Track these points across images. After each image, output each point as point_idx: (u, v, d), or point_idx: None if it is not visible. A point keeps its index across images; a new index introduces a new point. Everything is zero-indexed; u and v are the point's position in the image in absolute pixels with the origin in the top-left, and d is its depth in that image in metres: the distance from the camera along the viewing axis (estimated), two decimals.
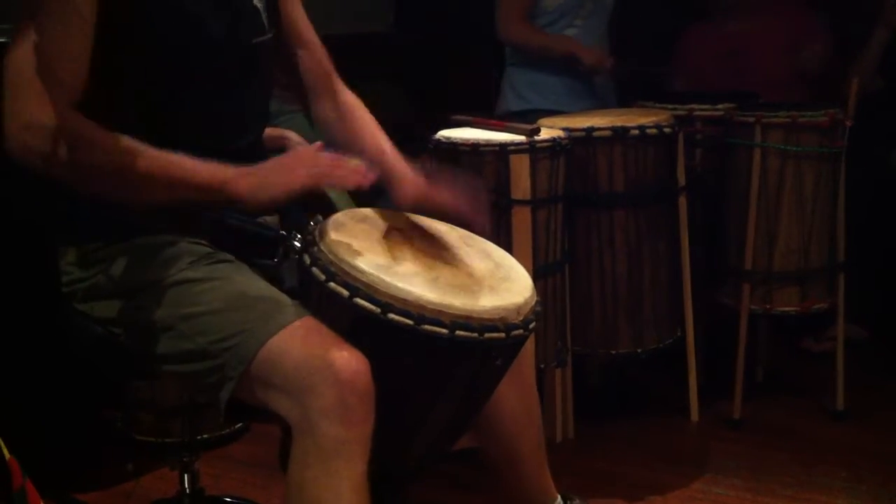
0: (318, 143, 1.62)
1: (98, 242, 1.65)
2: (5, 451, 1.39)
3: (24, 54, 1.53)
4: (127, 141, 1.52)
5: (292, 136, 2.67)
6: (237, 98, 1.72)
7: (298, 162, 1.56)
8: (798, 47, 3.34)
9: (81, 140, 1.51)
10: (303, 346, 1.44)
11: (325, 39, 1.93)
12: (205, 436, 2.57)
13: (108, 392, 2.72)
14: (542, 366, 2.60)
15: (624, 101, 3.27)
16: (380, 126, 1.88)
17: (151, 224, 1.63)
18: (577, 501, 1.95)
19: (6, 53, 1.61)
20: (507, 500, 1.88)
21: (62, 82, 1.51)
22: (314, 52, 1.89)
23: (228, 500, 2.38)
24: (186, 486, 2.02)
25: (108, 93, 1.57)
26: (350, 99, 1.90)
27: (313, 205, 1.70)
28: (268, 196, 1.53)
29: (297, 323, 1.48)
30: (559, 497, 1.89)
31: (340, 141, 1.87)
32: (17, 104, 1.52)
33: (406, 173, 1.76)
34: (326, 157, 1.56)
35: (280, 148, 2.69)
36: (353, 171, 1.54)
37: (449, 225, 1.71)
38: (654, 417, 2.97)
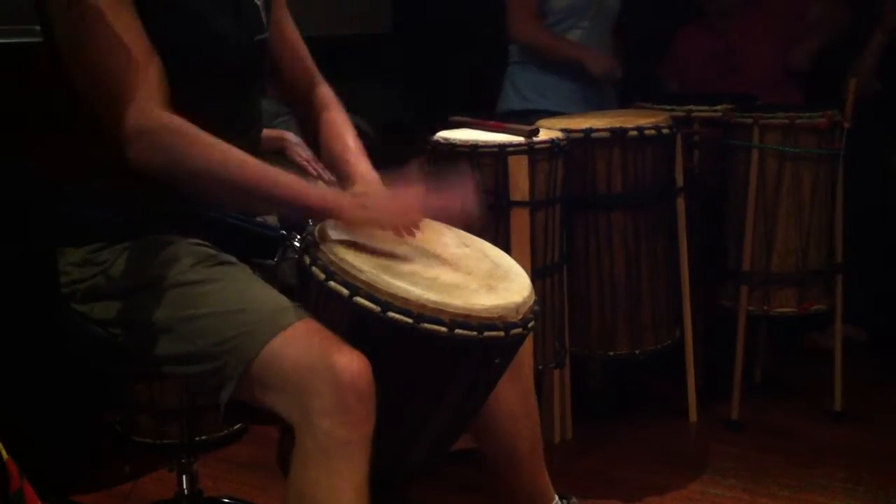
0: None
1: (98, 243, 1.65)
2: (3, 453, 1.38)
3: (110, 63, 1.52)
4: (229, 148, 1.53)
5: (290, 136, 2.68)
6: (240, 96, 1.73)
7: (404, 206, 1.58)
8: (791, 45, 3.35)
9: (187, 143, 1.51)
10: (303, 347, 1.44)
11: (324, 41, 1.94)
12: (203, 437, 2.58)
13: (107, 394, 2.73)
14: (541, 367, 2.60)
15: (624, 103, 3.27)
16: (349, 122, 1.87)
17: (152, 225, 1.63)
18: (575, 502, 1.95)
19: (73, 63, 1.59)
20: (506, 500, 1.88)
21: (148, 81, 1.51)
22: (298, 55, 1.90)
23: (227, 501, 2.38)
24: (185, 487, 2.02)
25: None
26: (325, 94, 1.90)
27: None
28: (363, 217, 1.55)
29: (298, 324, 1.48)
30: (557, 497, 1.89)
31: (315, 138, 1.89)
32: (121, 114, 1.51)
33: (365, 174, 1.75)
34: (426, 206, 1.58)
35: (278, 149, 2.70)
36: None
37: (447, 225, 1.71)
38: (653, 418, 2.97)
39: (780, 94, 3.28)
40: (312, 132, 1.89)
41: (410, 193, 1.57)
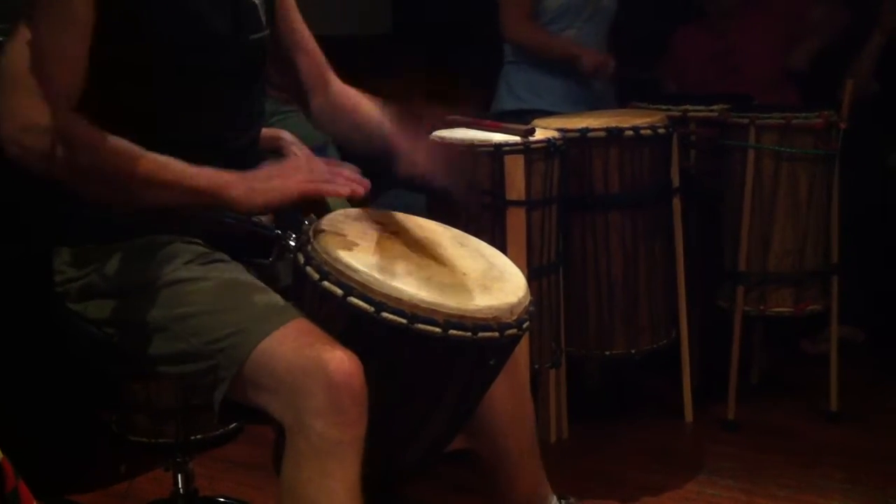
0: (307, 150, 1.62)
1: (92, 243, 1.65)
2: None
3: (20, 55, 1.53)
4: (124, 144, 1.52)
5: (286, 135, 2.67)
6: (237, 96, 1.72)
7: (294, 169, 1.55)
8: (790, 46, 3.35)
9: (78, 141, 1.51)
10: (295, 347, 1.44)
11: (323, 41, 1.93)
12: (199, 437, 2.57)
13: (103, 393, 2.72)
14: (537, 366, 2.60)
15: (622, 104, 3.27)
16: (378, 106, 1.86)
17: (146, 224, 1.63)
18: (573, 501, 1.94)
19: (2, 54, 1.61)
20: (502, 501, 1.88)
21: (59, 83, 1.51)
22: (309, 50, 1.89)
23: (222, 500, 2.37)
24: (180, 487, 2.02)
25: (108, 91, 1.57)
26: (345, 90, 1.90)
27: (308, 204, 1.69)
28: (263, 201, 1.52)
29: (291, 324, 1.47)
30: (555, 497, 1.89)
31: (340, 135, 1.88)
32: (14, 105, 1.52)
33: (409, 148, 1.73)
34: (322, 165, 1.56)
35: (274, 148, 2.70)
36: (348, 180, 1.54)
37: (443, 225, 1.71)
38: (649, 419, 2.97)
39: (779, 94, 3.28)
40: (333, 123, 1.89)
41: (297, 157, 1.56)
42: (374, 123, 1.82)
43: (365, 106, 1.87)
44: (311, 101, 1.91)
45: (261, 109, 1.85)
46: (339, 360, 1.41)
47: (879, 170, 3.24)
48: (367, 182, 1.55)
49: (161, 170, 1.52)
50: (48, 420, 2.49)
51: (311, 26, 1.92)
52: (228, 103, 1.70)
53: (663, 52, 3.60)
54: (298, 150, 2.62)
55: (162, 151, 1.53)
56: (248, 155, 1.76)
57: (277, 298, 1.55)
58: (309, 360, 1.41)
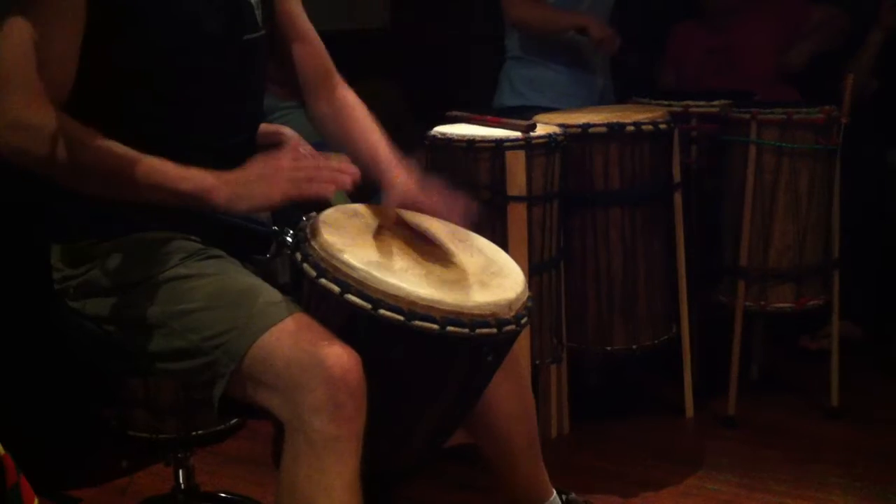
0: (296, 145, 1.60)
1: (90, 239, 1.65)
2: (0, 448, 1.38)
3: (9, 51, 1.52)
4: (111, 144, 1.51)
5: (287, 131, 2.66)
6: (232, 96, 1.72)
7: (279, 171, 1.51)
8: (788, 46, 3.35)
9: (67, 140, 1.49)
10: (294, 343, 1.44)
11: (321, 36, 1.92)
12: (199, 432, 2.57)
13: (103, 389, 2.73)
14: (538, 362, 2.61)
15: (623, 99, 3.26)
16: (377, 125, 1.85)
17: (143, 221, 1.63)
18: (573, 497, 1.95)
19: None
20: (504, 496, 1.88)
21: (50, 81, 1.50)
22: (312, 48, 1.87)
23: (223, 496, 2.38)
24: (181, 482, 2.02)
25: (101, 90, 1.57)
26: (349, 97, 1.88)
27: (305, 201, 1.69)
28: (246, 206, 1.51)
29: (289, 320, 1.47)
30: (555, 493, 1.90)
31: (335, 139, 1.87)
32: (3, 102, 1.51)
33: (399, 177, 1.72)
34: (307, 164, 1.53)
35: (275, 143, 2.70)
36: (335, 173, 1.51)
37: (441, 221, 1.70)
38: (649, 414, 2.97)
39: (777, 92, 3.28)
40: (334, 128, 1.87)
41: (282, 156, 1.54)
42: (369, 147, 1.79)
43: (362, 125, 1.84)
44: (310, 98, 1.88)
45: (258, 109, 1.83)
46: (338, 356, 1.41)
47: (879, 167, 3.24)
48: (353, 169, 1.52)
49: (147, 171, 1.51)
50: (49, 416, 2.50)
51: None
52: (222, 103, 1.69)
53: (662, 48, 3.60)
54: (301, 148, 2.63)
55: (155, 152, 1.52)
56: (244, 154, 1.75)
57: (276, 294, 1.55)
58: (307, 355, 1.41)
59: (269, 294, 1.54)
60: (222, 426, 2.71)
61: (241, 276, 1.59)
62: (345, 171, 1.52)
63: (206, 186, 1.51)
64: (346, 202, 1.87)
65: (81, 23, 1.51)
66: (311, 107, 1.89)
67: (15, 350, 2.43)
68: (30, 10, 1.50)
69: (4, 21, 1.54)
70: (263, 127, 2.34)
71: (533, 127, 2.51)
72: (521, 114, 2.90)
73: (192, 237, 1.63)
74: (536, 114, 2.81)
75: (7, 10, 1.54)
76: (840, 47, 3.30)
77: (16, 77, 1.50)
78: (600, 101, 3.23)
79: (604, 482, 2.55)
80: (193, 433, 2.10)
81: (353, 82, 1.94)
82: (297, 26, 1.86)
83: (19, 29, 1.50)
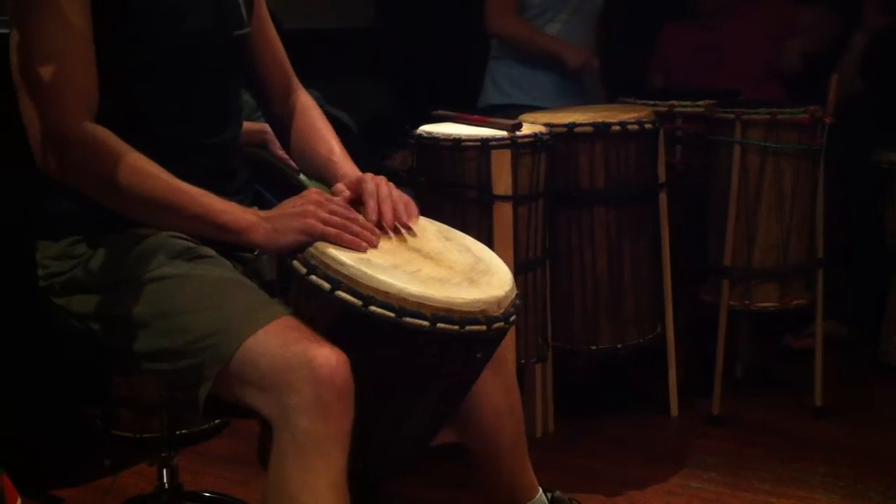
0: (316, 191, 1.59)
1: (76, 236, 1.64)
2: None
3: (33, 63, 1.51)
4: (146, 163, 1.52)
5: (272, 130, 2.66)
6: (217, 93, 1.72)
7: (311, 209, 1.52)
8: (777, 47, 3.37)
9: (96, 154, 1.50)
10: (281, 343, 1.43)
11: (305, 34, 1.93)
12: (184, 431, 2.56)
13: (87, 388, 2.71)
14: (523, 361, 2.61)
15: (610, 99, 3.27)
16: (331, 128, 1.88)
17: (130, 219, 1.62)
18: (559, 495, 1.95)
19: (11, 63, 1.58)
20: (490, 494, 1.88)
21: (78, 90, 1.51)
22: (277, 53, 1.90)
23: (207, 495, 2.36)
24: (165, 481, 2.01)
25: None
26: (306, 100, 1.91)
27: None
28: (285, 243, 1.51)
29: (276, 321, 1.46)
30: (541, 491, 1.90)
31: (291, 140, 1.88)
32: (36, 115, 1.51)
33: (351, 169, 1.76)
34: (338, 207, 1.54)
35: (260, 142, 2.69)
36: (363, 228, 1.52)
37: (428, 219, 1.70)
38: (634, 413, 2.98)
39: (765, 91, 3.29)
40: (288, 135, 1.89)
41: (313, 195, 1.55)
42: (326, 148, 1.82)
43: (318, 126, 1.86)
44: (271, 100, 1.91)
45: (240, 106, 1.84)
46: (325, 356, 1.40)
47: (863, 166, 3.26)
48: (376, 237, 1.53)
49: (186, 201, 1.52)
50: (32, 415, 2.48)
51: (293, 19, 1.91)
52: (208, 100, 1.69)
53: (652, 47, 3.61)
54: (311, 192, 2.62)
55: (141, 149, 1.52)
56: (228, 151, 1.75)
57: (263, 295, 1.54)
58: (294, 355, 1.41)
59: (257, 295, 1.54)
60: (207, 426, 2.70)
61: (228, 278, 1.58)
62: (370, 231, 1.53)
63: (246, 224, 1.52)
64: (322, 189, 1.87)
65: (90, 28, 1.52)
66: (272, 108, 1.91)
67: None
68: (28, 19, 1.49)
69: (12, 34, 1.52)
70: (248, 125, 2.34)
71: (519, 126, 2.51)
72: (506, 112, 2.91)
73: (181, 235, 1.62)
74: (521, 112, 2.81)
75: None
76: (827, 46, 3.32)
77: (55, 89, 1.49)
78: (586, 100, 3.24)
79: (588, 481, 2.55)
80: (178, 432, 2.09)
81: (337, 80, 1.94)
82: (264, 28, 1.87)
83: (33, 42, 1.49)
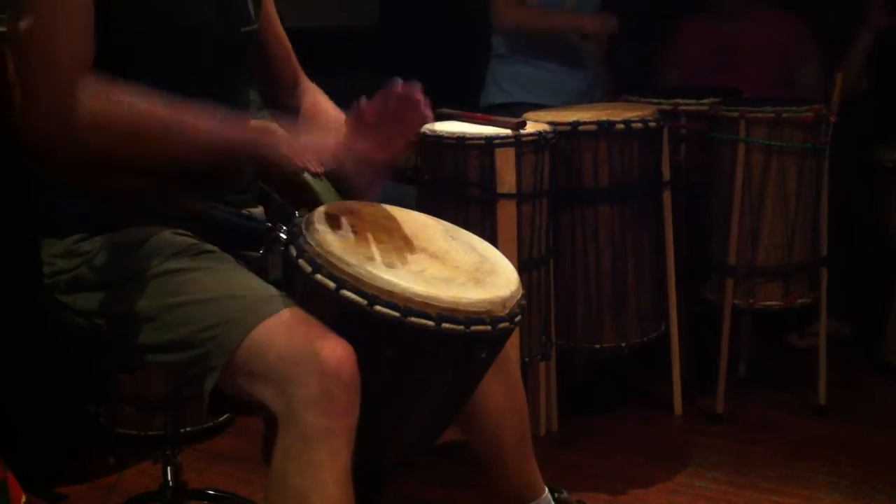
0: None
1: (81, 234, 1.63)
2: None
3: (34, 24, 1.50)
4: (151, 92, 1.51)
5: (276, 126, 2.66)
6: (225, 89, 1.72)
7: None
8: (786, 53, 3.36)
9: (99, 96, 1.49)
10: (287, 336, 1.43)
11: (310, 32, 1.93)
12: (188, 429, 2.57)
13: (92, 386, 2.72)
14: (527, 359, 2.61)
15: (613, 96, 3.26)
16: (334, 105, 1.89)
17: (135, 216, 1.62)
18: (565, 494, 1.95)
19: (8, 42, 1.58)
20: (495, 493, 1.88)
21: (76, 52, 1.50)
22: (285, 49, 1.91)
23: (211, 493, 2.37)
24: (169, 479, 2.00)
25: None
26: (308, 84, 1.92)
27: (296, 196, 1.69)
28: (305, 143, 1.55)
29: (283, 313, 1.46)
30: (546, 490, 1.90)
31: (300, 120, 1.88)
32: (35, 78, 1.50)
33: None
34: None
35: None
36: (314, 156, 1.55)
37: (434, 218, 1.71)
38: (638, 411, 2.98)
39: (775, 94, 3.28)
40: (296, 118, 1.88)
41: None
42: (331, 120, 1.83)
43: (321, 107, 1.88)
44: (280, 94, 1.91)
45: (247, 101, 1.85)
46: (332, 349, 1.40)
47: (868, 165, 3.25)
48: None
49: (198, 112, 1.52)
50: (37, 412, 2.49)
51: (297, 17, 1.92)
52: (216, 96, 1.69)
53: (664, 45, 3.60)
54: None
55: None
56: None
57: (269, 287, 1.54)
58: (301, 348, 1.41)
59: (263, 288, 1.54)
60: (211, 423, 2.72)
61: (234, 271, 1.58)
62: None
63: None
64: (336, 199, 1.87)
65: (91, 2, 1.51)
66: (279, 100, 1.92)
67: (2, 345, 2.41)
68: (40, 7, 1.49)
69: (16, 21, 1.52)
70: (253, 123, 2.33)
71: (523, 124, 2.51)
72: (508, 111, 2.91)
73: (185, 232, 1.62)
74: (524, 111, 2.80)
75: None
76: (831, 46, 3.31)
77: (70, 75, 1.49)
78: (588, 97, 3.23)
79: (592, 479, 2.55)
80: (182, 430, 2.10)
81: (342, 78, 1.94)
82: (272, 23, 1.88)
83: (31, 19, 1.49)
